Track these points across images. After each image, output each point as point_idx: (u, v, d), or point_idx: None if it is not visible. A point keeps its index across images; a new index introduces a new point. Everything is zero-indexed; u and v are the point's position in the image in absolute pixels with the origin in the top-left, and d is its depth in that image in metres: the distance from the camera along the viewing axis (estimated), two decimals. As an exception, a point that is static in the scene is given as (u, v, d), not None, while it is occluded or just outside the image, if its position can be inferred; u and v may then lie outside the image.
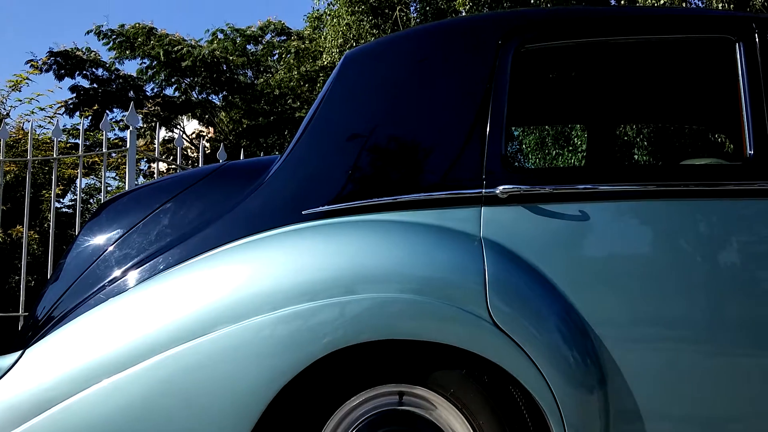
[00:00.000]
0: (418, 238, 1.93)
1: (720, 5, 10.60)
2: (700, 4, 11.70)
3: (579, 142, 10.09)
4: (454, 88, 2.09)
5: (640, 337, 1.93)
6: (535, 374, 1.80)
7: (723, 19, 2.20)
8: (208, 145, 15.40)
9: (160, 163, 5.44)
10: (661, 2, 10.80)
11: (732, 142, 3.09)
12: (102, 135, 4.39)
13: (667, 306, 1.93)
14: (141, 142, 15.55)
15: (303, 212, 1.97)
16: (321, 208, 1.98)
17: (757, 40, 2.06)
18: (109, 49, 14.65)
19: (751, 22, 2.09)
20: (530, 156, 11.42)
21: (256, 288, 1.86)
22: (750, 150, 2.01)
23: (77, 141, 10.33)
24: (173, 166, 5.15)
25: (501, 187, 1.93)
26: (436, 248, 1.91)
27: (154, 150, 4.62)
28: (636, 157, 9.92)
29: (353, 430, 1.87)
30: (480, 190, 1.95)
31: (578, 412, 1.81)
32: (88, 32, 14.58)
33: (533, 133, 11.56)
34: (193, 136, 16.22)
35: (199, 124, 17.04)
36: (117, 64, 14.87)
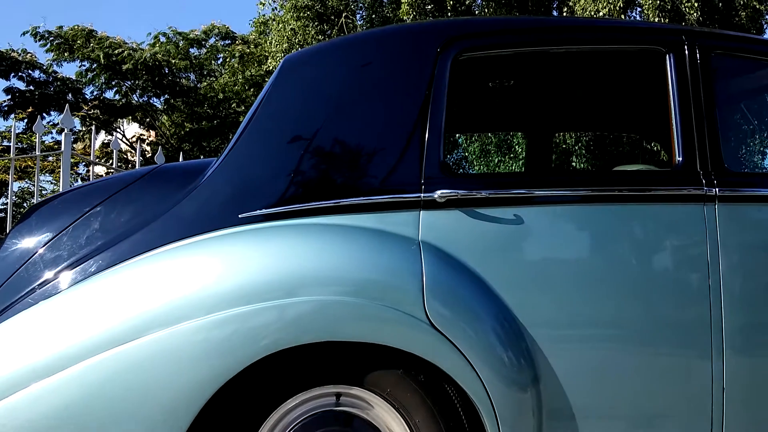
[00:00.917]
0: (357, 241, 1.94)
1: (656, 19, 11.00)
2: (638, 17, 12.14)
3: (520, 150, 10.30)
4: (394, 94, 2.11)
5: (573, 338, 1.98)
6: (471, 373, 1.84)
7: (654, 30, 2.29)
8: (149, 148, 15.07)
9: (99, 167, 5.31)
10: (600, 14, 11.14)
11: (664, 150, 3.22)
12: (36, 138, 4.25)
13: (599, 307, 1.99)
14: (80, 145, 15.11)
15: (240, 215, 1.96)
16: (259, 211, 1.97)
17: (686, 51, 2.15)
18: (47, 51, 14.23)
19: (681, 34, 2.19)
20: (474, 163, 11.59)
21: (190, 291, 1.83)
22: (679, 157, 2.10)
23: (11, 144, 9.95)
24: (112, 170, 5.03)
25: (439, 192, 1.96)
26: (376, 252, 1.93)
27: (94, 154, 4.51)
28: (574, 164, 10.19)
29: (290, 431, 1.86)
30: (419, 195, 1.98)
31: (512, 410, 1.85)
32: (24, 33, 14.14)
33: (477, 141, 11.73)
34: (134, 139, 15.87)
35: (140, 127, 16.68)
36: (55, 66, 14.45)
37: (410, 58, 2.13)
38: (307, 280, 1.85)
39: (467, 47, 2.12)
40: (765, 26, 13.12)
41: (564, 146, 10.68)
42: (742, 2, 12.19)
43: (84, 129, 14.72)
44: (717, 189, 2.04)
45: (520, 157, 10.15)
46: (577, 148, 10.55)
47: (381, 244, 1.93)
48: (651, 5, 11.39)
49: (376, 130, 2.08)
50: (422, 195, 1.97)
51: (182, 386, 1.75)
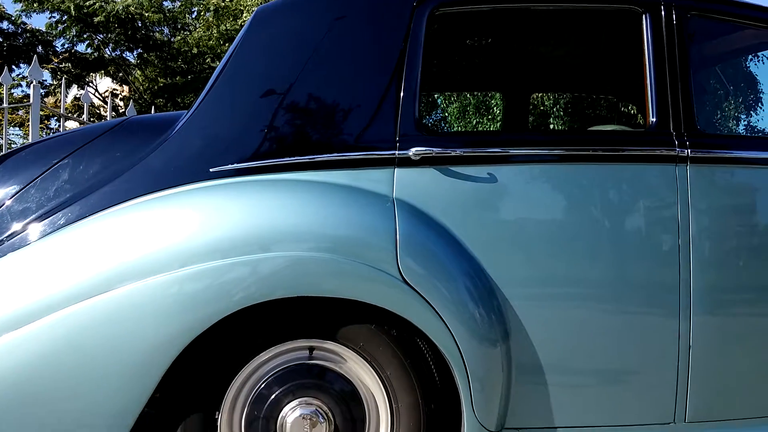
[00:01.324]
0: (331, 198, 1.93)
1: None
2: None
3: (498, 111, 10.28)
4: (369, 49, 2.08)
5: (543, 296, 2.02)
6: (443, 329, 1.87)
7: None
8: (122, 104, 14.78)
9: (71, 122, 5.19)
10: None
11: (640, 111, 3.23)
12: (2, 90, 4.14)
13: (570, 266, 2.02)
14: (51, 99, 14.76)
15: (211, 170, 1.94)
16: (230, 166, 1.95)
17: (662, 12, 2.14)
18: (15, 1, 13.76)
19: None
20: (453, 124, 11.57)
21: (163, 244, 1.82)
22: (653, 118, 2.11)
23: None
24: (83, 124, 4.94)
25: (414, 149, 1.96)
26: (350, 208, 1.93)
27: (66, 107, 4.41)
28: (552, 126, 10.22)
29: (262, 384, 1.88)
30: (393, 152, 1.97)
31: (482, 364, 1.89)
32: (-11, -19, 13.62)
33: (456, 102, 11.69)
34: (107, 94, 15.54)
35: (112, 82, 16.33)
36: (23, 17, 13.99)
37: (386, 12, 2.09)
38: (281, 235, 1.85)
39: (444, 2, 2.09)
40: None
41: (542, 108, 10.69)
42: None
43: (55, 83, 14.36)
44: (689, 150, 2.06)
45: (498, 118, 10.14)
46: (555, 110, 10.57)
47: (355, 201, 1.93)
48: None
49: (350, 86, 2.05)
50: (397, 152, 1.97)
51: (154, 339, 1.75)
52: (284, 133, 2.02)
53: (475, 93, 11.01)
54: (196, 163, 1.95)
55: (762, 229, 2.18)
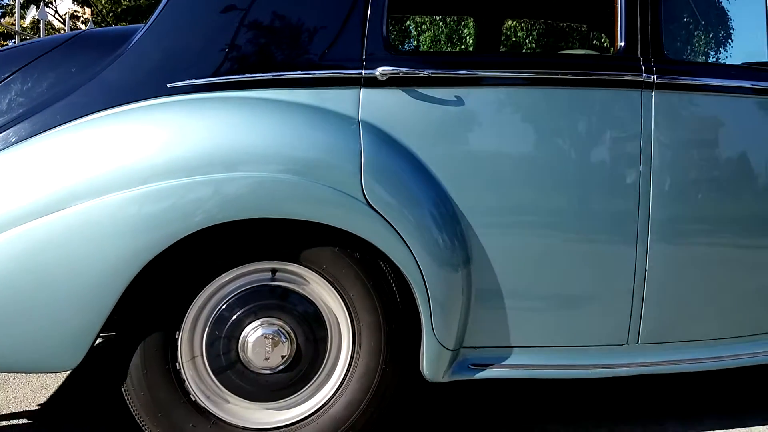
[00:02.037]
0: (295, 117, 1.89)
1: None
2: None
3: (470, 41, 10.14)
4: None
5: (506, 223, 2.03)
6: (406, 253, 1.88)
7: None
8: (84, 27, 14.22)
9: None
10: None
11: (610, 39, 3.19)
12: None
13: (533, 192, 2.02)
14: (9, 20, 14.11)
15: (168, 85, 1.87)
16: (190, 81, 1.88)
17: None
18: None
19: None
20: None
21: (121, 162, 1.77)
22: (621, 42, 2.09)
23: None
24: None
25: (381, 69, 1.91)
26: (314, 129, 1.89)
27: (24, 28, 4.20)
28: (525, 59, 10.10)
29: (224, 304, 1.89)
30: (359, 71, 1.92)
31: (443, 288, 1.91)
32: None
33: (428, 31, 11.48)
34: (67, 16, 14.91)
35: (73, 2, 15.65)
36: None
37: (355, -76, 2.00)
38: (245, 155, 1.81)
39: None
40: None
41: (515, 39, 10.56)
42: None
43: (12, 2, 13.71)
44: (655, 76, 2.05)
45: (471, 48, 9.99)
46: (527, 41, 10.45)
47: (319, 122, 1.89)
48: None
49: (316, 1, 1.98)
50: (363, 72, 1.92)
51: (112, 259, 1.73)
52: (247, 49, 1.94)
53: (448, 21, 10.81)
54: (154, 78, 1.88)
55: (723, 159, 2.20)
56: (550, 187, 2.03)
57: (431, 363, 1.94)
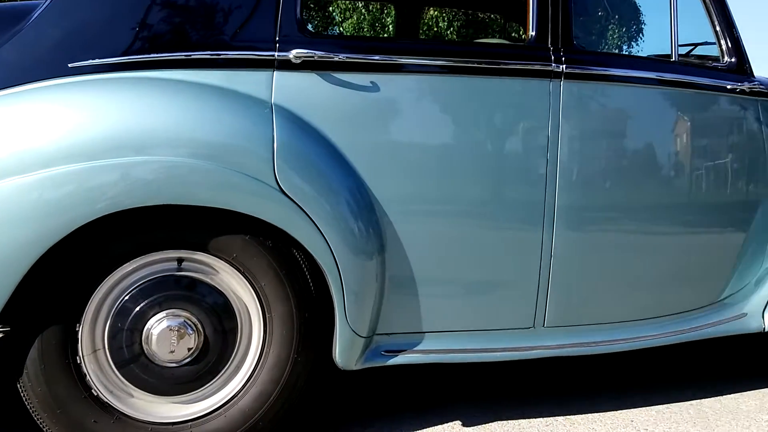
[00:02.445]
0: (205, 100, 1.82)
1: None
2: None
3: (393, 30, 10.14)
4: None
5: (419, 210, 2.03)
6: (320, 241, 1.85)
7: None
8: None
9: None
10: None
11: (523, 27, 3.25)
12: None
13: (448, 180, 2.03)
14: None
15: (70, 65, 1.76)
16: (94, 61, 1.78)
17: None
18: None
19: None
20: (347, 40, 11.32)
21: (19, 145, 1.66)
22: (532, 32, 2.12)
23: None
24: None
25: (294, 51, 1.87)
26: (225, 112, 1.82)
27: None
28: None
29: (127, 295, 1.81)
30: (273, 53, 1.87)
31: (357, 276, 1.90)
32: None
33: (351, 18, 11.40)
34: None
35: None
36: None
37: None
38: (151, 139, 1.73)
39: None
40: None
41: (436, 30, 10.63)
42: None
43: None
44: (564, 66, 2.10)
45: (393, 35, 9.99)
46: (449, 33, 10.54)
47: (231, 105, 1.83)
48: None
49: (227, -21, 1.91)
50: (276, 54, 1.87)
51: (6, 247, 1.63)
52: (154, 26, 1.85)
53: (371, 9, 10.76)
54: (54, 57, 1.77)
55: (628, 148, 2.28)
56: (463, 175, 2.04)
57: (344, 351, 1.93)
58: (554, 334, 2.18)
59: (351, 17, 11.08)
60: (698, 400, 2.44)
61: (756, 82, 2.46)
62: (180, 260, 1.85)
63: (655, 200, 2.29)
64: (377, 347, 2.01)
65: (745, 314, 2.46)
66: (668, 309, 2.39)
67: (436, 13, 10.31)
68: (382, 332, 2.02)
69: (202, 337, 1.85)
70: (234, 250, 1.84)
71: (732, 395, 2.50)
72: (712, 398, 2.47)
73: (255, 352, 1.92)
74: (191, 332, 1.84)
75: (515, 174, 2.09)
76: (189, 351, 1.84)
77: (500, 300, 2.14)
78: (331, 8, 11.61)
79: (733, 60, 2.44)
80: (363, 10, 11.21)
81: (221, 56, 1.85)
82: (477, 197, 2.07)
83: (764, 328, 2.44)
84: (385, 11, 10.93)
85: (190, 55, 1.83)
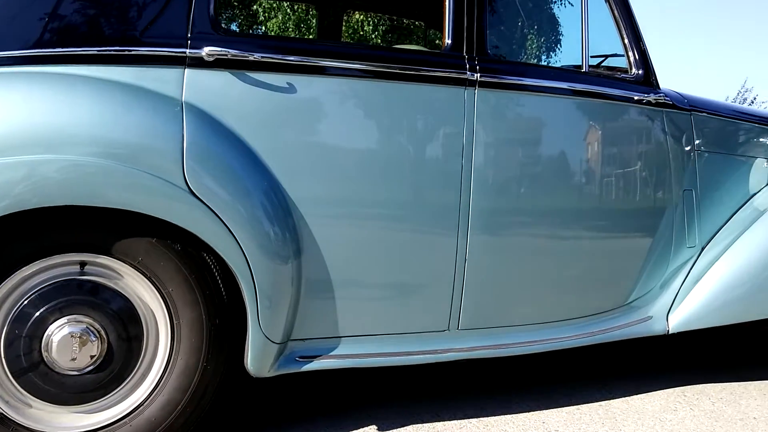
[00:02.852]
0: (115, 97, 1.74)
1: None
2: None
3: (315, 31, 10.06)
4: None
5: (337, 213, 2.01)
6: (233, 244, 1.80)
7: None
8: None
9: None
10: None
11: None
12: None
13: (363, 184, 2.02)
14: None
15: None
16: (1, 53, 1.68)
17: None
18: None
19: None
20: (272, 40, 11.18)
21: None
22: (448, 40, 2.14)
23: None
24: None
25: (207, 49, 1.82)
26: (134, 109, 1.75)
27: None
28: (371, 51, 10.21)
29: (25, 300, 1.71)
30: (184, 50, 1.81)
31: (271, 281, 1.86)
32: None
33: (275, 17, 11.27)
34: None
35: None
36: None
37: None
38: (58, 137, 1.65)
39: None
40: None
41: (361, 33, 10.64)
42: None
43: None
44: (479, 74, 2.13)
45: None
46: (374, 37, 10.57)
47: (140, 102, 1.76)
48: None
49: (137, -27, 1.83)
50: (188, 51, 1.82)
51: None
52: (63, 19, 1.75)
53: (296, 9, 10.67)
54: None
55: (540, 155, 2.34)
56: (380, 179, 2.04)
57: (256, 358, 1.88)
58: (468, 337, 2.21)
59: (275, 17, 10.96)
60: (607, 401, 2.52)
61: (661, 94, 2.58)
62: (82, 264, 1.77)
63: (565, 205, 2.36)
64: (291, 353, 1.98)
65: (651, 317, 2.57)
66: (578, 311, 2.47)
67: (361, 17, 10.33)
68: (296, 338, 1.99)
69: (106, 344, 1.78)
70: (139, 254, 1.77)
71: (639, 395, 2.60)
72: (620, 399, 2.55)
73: (162, 360, 1.85)
74: (94, 339, 1.76)
75: (431, 178, 2.10)
76: (92, 358, 1.76)
77: (416, 303, 2.15)
78: (255, 7, 11.45)
79: (640, 72, 2.54)
80: (288, 10, 11.10)
81: (132, 52, 1.78)
82: (394, 201, 2.07)
83: (668, 331, 2.55)
84: (311, 12, 10.88)
85: (100, 51, 1.76)
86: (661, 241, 2.63)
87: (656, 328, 2.55)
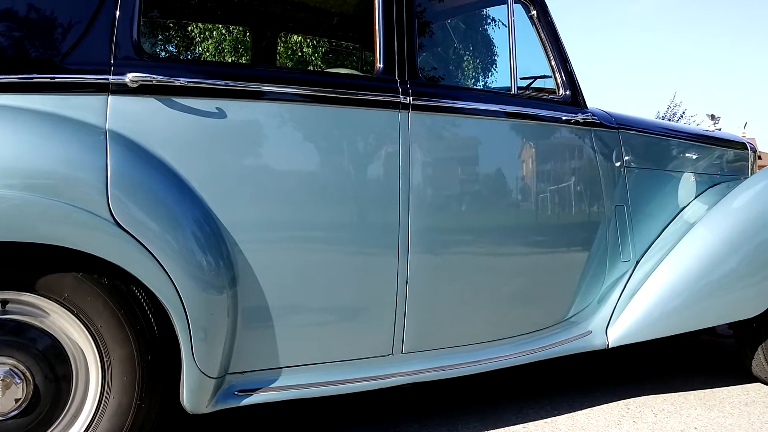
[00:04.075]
0: (29, 126, 1.66)
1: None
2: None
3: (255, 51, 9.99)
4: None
5: (272, 239, 1.97)
6: (162, 277, 1.74)
7: None
8: None
9: None
10: None
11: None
12: None
13: (297, 208, 1.99)
14: None
15: None
16: None
17: None
18: None
19: None
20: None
21: None
22: (380, 64, 2.14)
23: None
24: None
25: (131, 75, 1.76)
26: (53, 139, 1.68)
27: None
28: (310, 73, 10.19)
29: (-60, 345, 1.61)
30: (107, 77, 1.75)
31: (205, 313, 1.80)
32: None
33: (212, 38, 11.15)
34: None
35: None
36: None
37: None
38: None
39: None
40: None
41: (300, 54, 10.62)
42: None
43: None
44: (411, 98, 2.14)
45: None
46: (314, 57, 10.57)
47: (59, 131, 1.69)
48: None
49: (57, -2, 1.77)
50: (111, 77, 1.76)
51: None
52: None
53: (231, 29, 10.59)
54: None
55: (474, 175, 2.36)
56: (316, 202, 2.01)
57: (192, 394, 1.81)
58: (412, 360, 2.19)
59: (211, 38, 10.83)
60: (553, 418, 2.54)
61: (589, 114, 2.65)
62: (4, 302, 1.68)
63: (502, 224, 2.39)
64: (230, 387, 1.91)
65: (590, 332, 2.60)
66: (519, 329, 2.48)
67: (300, 38, 10.31)
68: (234, 371, 1.92)
69: (32, 385, 1.69)
70: (65, 290, 1.69)
71: (583, 411, 2.62)
72: (566, 415, 2.57)
73: (93, 400, 1.76)
74: (18, 381, 1.67)
75: (368, 200, 2.09)
76: (17, 402, 1.67)
77: (358, 328, 2.12)
78: (189, 28, 11.30)
79: (568, 93, 2.60)
80: (224, 31, 11.00)
81: (52, 79, 1.71)
82: (331, 223, 2.04)
83: (608, 345, 2.59)
84: (247, 33, 10.80)
85: (19, 78, 1.68)
86: (597, 256, 2.68)
87: (596, 342, 2.58)
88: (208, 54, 11.00)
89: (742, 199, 2.78)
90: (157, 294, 1.74)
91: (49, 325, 1.72)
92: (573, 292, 2.63)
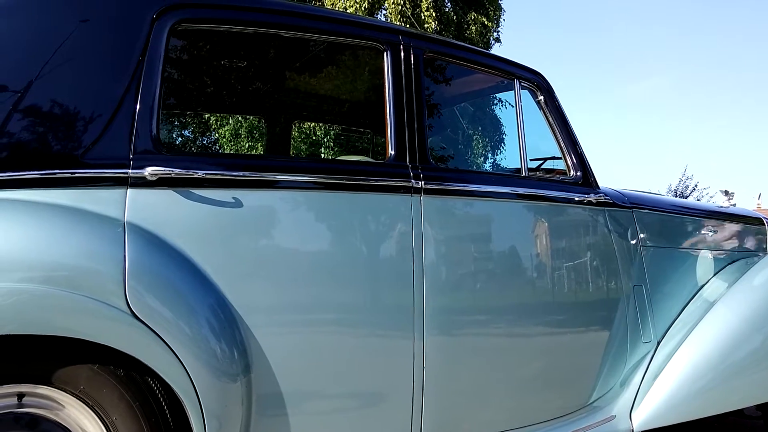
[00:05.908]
0: (50, 220, 1.70)
1: (398, 23, 11.70)
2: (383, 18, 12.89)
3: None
4: (105, 58, 1.89)
5: (286, 325, 1.97)
6: (177, 367, 1.73)
7: (374, 27, 2.33)
8: None
9: None
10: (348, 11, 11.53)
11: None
12: None
13: (313, 293, 1.99)
14: None
15: None
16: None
17: (401, 50, 2.25)
18: None
19: (398, 33, 2.29)
20: (225, 147, 11.31)
21: None
22: (391, 151, 2.20)
23: None
24: None
25: (150, 169, 1.81)
26: (71, 233, 1.70)
27: None
28: (324, 155, 10.43)
29: (-47, 440, 1.59)
30: (126, 171, 1.80)
31: (219, 401, 1.78)
32: None
33: (228, 124, 11.46)
34: None
35: None
36: None
37: (125, 21, 1.92)
38: None
39: (186, 18, 1.97)
40: (492, 42, 14.81)
41: (314, 138, 10.87)
42: (472, 18, 13.62)
43: None
44: (423, 182, 2.17)
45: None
46: (326, 140, 10.80)
47: (78, 225, 1.72)
48: (394, 10, 12.18)
49: (79, 95, 1.84)
50: (130, 171, 1.80)
51: None
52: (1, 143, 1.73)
53: (247, 116, 10.91)
54: None
55: (488, 256, 2.36)
56: (330, 288, 2.01)
57: (207, 483, 1.77)
58: (431, 449, 2.13)
59: (227, 124, 11.14)
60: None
61: (601, 194, 2.66)
62: (20, 395, 1.66)
63: (520, 307, 2.37)
64: (244, 477, 1.86)
65: (614, 416, 2.53)
66: (542, 415, 2.42)
67: (313, 123, 10.59)
68: (250, 459, 1.88)
69: (47, 481, 1.65)
70: (81, 382, 1.68)
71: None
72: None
73: (106, 493, 1.72)
74: (33, 475, 1.63)
75: (383, 284, 2.09)
76: (29, 498, 1.63)
77: (375, 414, 2.07)
78: (206, 115, 11.64)
79: (579, 174, 2.63)
80: (240, 117, 11.33)
81: (73, 175, 1.76)
82: (345, 309, 2.04)
83: (632, 430, 2.51)
84: (262, 120, 11.10)
85: (43, 174, 1.73)
86: (617, 337, 2.64)
87: (621, 428, 2.51)
88: (224, 140, 11.27)
89: (763, 276, 2.75)
90: (172, 385, 1.73)
91: (63, 417, 1.69)
92: (595, 374, 2.57)
